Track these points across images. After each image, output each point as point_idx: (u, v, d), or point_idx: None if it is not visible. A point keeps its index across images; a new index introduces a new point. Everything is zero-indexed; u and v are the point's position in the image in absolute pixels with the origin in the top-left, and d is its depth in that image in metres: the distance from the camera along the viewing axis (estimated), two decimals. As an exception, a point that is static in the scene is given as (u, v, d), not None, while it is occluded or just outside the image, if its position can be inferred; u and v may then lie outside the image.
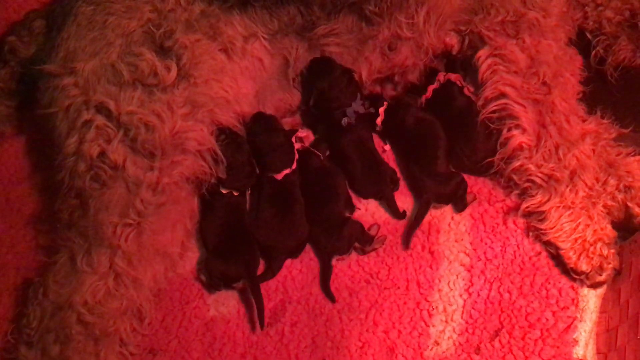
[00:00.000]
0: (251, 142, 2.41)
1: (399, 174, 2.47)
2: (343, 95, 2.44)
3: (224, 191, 2.34)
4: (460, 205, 2.37)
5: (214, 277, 2.27)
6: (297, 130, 2.50)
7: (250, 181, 2.38)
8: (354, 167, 2.40)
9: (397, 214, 2.39)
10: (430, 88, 2.50)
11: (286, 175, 2.38)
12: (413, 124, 2.46)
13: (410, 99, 2.52)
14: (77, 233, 2.09)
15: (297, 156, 2.42)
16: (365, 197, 2.43)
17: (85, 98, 2.13)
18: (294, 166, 2.40)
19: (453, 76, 2.48)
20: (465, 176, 2.43)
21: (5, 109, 2.51)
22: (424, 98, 2.52)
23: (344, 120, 2.43)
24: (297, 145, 2.45)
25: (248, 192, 2.42)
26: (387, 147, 2.55)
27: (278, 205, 2.33)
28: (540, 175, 2.27)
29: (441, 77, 2.49)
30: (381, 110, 2.50)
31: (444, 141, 2.42)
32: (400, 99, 2.53)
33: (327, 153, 2.47)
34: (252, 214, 2.35)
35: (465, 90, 2.44)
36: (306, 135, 2.51)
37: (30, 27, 2.46)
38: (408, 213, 2.40)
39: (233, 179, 2.34)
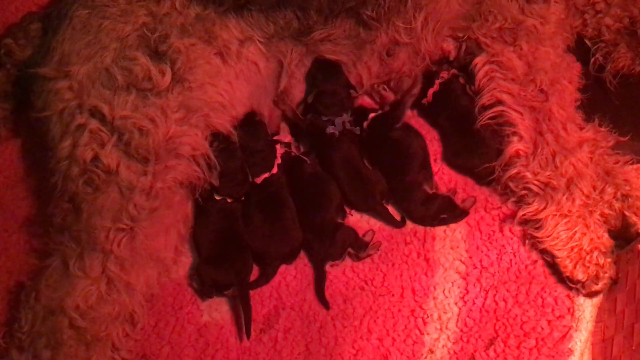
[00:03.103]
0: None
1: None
2: (338, 105, 2.43)
3: (217, 197, 2.32)
4: (455, 218, 2.35)
5: (205, 285, 2.26)
6: (278, 141, 2.47)
7: (242, 189, 2.36)
8: (341, 183, 2.39)
9: (396, 223, 2.37)
10: (431, 91, 2.48)
11: (266, 179, 2.37)
12: (384, 144, 2.43)
13: (395, 114, 2.47)
14: (70, 237, 2.09)
15: (279, 161, 2.41)
16: (358, 210, 2.42)
17: (79, 102, 2.13)
18: (274, 170, 2.39)
19: (452, 72, 2.48)
20: (462, 182, 2.43)
21: (0, 112, 2.50)
22: (424, 101, 2.50)
23: (329, 129, 2.41)
24: (281, 150, 2.44)
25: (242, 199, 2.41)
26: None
27: (267, 211, 2.32)
28: (536, 182, 2.26)
29: (445, 74, 2.48)
30: (365, 124, 2.47)
31: (419, 163, 2.38)
32: (384, 114, 2.49)
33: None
34: (244, 221, 2.34)
35: (468, 90, 2.44)
36: (291, 141, 2.50)
37: (26, 30, 2.45)
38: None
39: (225, 186, 2.32)
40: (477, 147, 2.40)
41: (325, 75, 2.42)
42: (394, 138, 2.41)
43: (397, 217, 2.39)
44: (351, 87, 2.47)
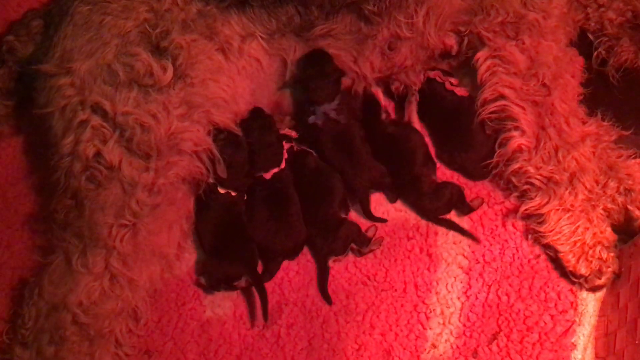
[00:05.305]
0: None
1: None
2: (323, 91, 2.40)
3: (221, 191, 2.32)
4: (463, 210, 2.35)
5: (214, 278, 2.26)
6: (289, 136, 2.48)
7: (248, 181, 2.37)
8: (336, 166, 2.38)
9: (374, 218, 2.36)
10: (416, 92, 2.50)
11: (275, 174, 2.37)
12: (382, 140, 2.43)
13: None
14: (73, 233, 2.09)
15: (286, 156, 2.41)
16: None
17: (81, 98, 2.13)
18: (283, 165, 2.39)
19: (432, 73, 2.48)
20: (464, 178, 2.42)
21: (3, 109, 2.51)
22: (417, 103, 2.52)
23: (311, 118, 2.41)
24: (286, 146, 2.44)
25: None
26: None
27: (272, 207, 2.32)
28: (539, 177, 2.25)
29: (421, 76, 2.50)
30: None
31: (422, 155, 2.38)
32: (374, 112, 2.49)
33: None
34: (248, 216, 2.33)
35: (447, 85, 2.45)
36: (296, 136, 2.50)
37: (28, 27, 2.46)
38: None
39: (232, 178, 2.32)
40: (465, 143, 2.39)
41: (311, 60, 2.40)
42: (391, 134, 2.42)
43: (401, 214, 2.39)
44: (339, 73, 2.43)
